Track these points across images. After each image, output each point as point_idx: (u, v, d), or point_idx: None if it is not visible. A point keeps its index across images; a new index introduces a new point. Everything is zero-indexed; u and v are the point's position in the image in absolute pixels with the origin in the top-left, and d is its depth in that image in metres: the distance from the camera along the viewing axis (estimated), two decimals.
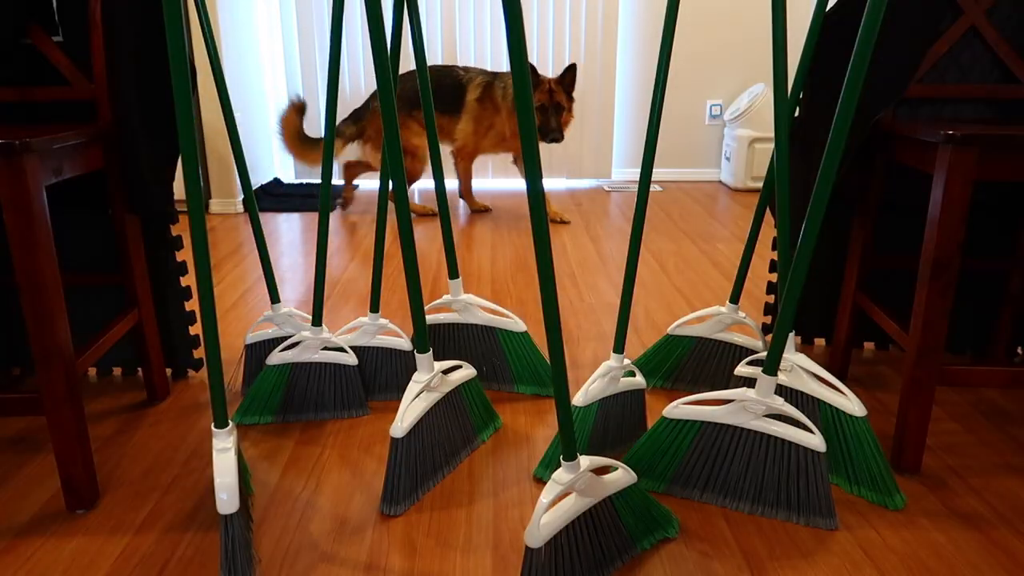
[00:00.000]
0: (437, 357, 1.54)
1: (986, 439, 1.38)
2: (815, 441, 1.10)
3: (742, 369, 1.32)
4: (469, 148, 3.13)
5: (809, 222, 1.01)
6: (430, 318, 1.53)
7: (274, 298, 1.50)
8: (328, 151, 1.39)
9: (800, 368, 1.25)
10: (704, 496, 1.18)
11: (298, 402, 1.45)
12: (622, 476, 1.03)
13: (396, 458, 1.15)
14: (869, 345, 1.77)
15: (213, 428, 1.03)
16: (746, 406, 1.12)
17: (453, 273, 1.50)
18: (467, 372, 1.33)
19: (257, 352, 1.53)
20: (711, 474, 1.17)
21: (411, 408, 1.18)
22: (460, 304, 1.51)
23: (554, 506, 0.95)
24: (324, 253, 1.42)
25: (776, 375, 1.10)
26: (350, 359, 1.44)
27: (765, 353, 1.30)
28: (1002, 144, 1.10)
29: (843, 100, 0.95)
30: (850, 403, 1.19)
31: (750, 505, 1.15)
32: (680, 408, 1.16)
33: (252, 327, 1.54)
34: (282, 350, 1.43)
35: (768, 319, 1.73)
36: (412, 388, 1.20)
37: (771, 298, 1.71)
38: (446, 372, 1.28)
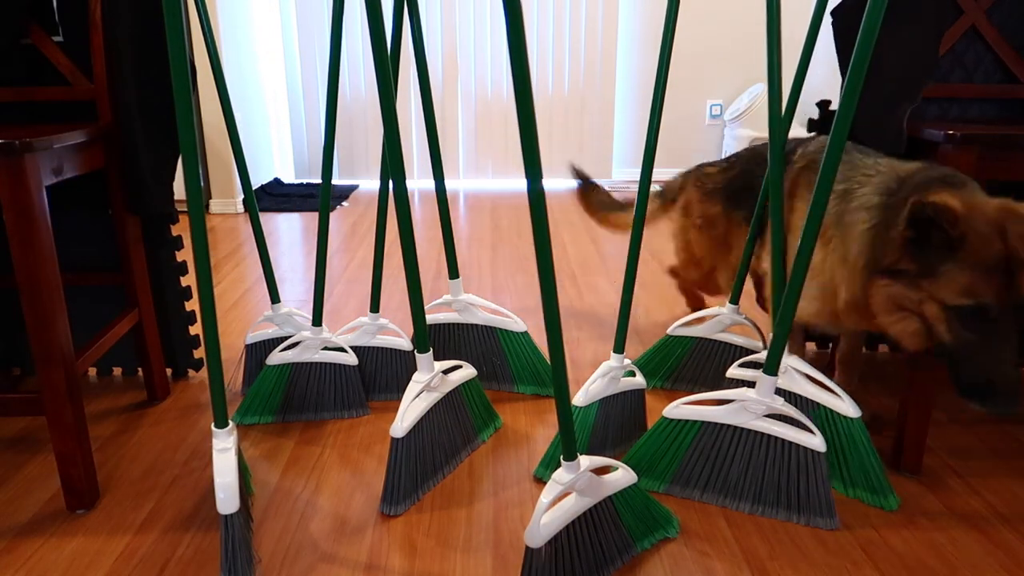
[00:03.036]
0: (437, 357, 1.53)
1: (986, 439, 1.38)
2: (815, 441, 1.10)
3: (735, 371, 1.32)
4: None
5: (809, 222, 1.01)
6: (430, 318, 1.53)
7: (274, 298, 1.50)
8: (328, 150, 1.38)
9: (794, 370, 1.25)
10: (704, 496, 1.18)
11: (298, 402, 1.45)
12: (622, 476, 1.02)
13: (396, 458, 1.15)
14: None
15: (213, 428, 1.03)
16: (746, 406, 1.12)
17: (453, 273, 1.50)
18: (467, 372, 1.32)
19: (257, 352, 1.53)
20: (711, 474, 1.17)
21: (411, 408, 1.18)
22: (460, 304, 1.51)
23: (554, 506, 0.95)
24: (324, 253, 1.42)
25: (776, 375, 1.10)
26: (350, 359, 1.44)
27: (759, 354, 1.30)
28: (1003, 143, 1.10)
29: (843, 100, 0.95)
30: (844, 404, 1.19)
31: (750, 505, 1.15)
32: (680, 408, 1.16)
33: (252, 327, 1.54)
34: (282, 350, 1.43)
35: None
36: (412, 388, 1.20)
37: None
38: (446, 372, 1.27)
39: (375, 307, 1.48)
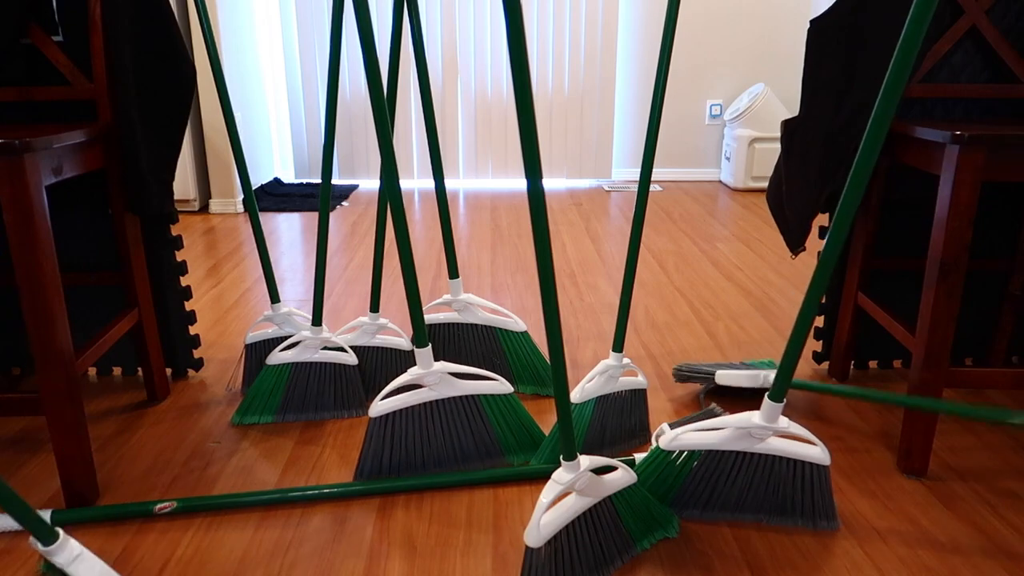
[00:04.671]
0: (437, 356, 1.54)
1: (988, 441, 1.38)
2: (818, 454, 1.09)
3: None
4: None
5: (828, 249, 0.98)
6: (430, 318, 1.53)
7: (274, 298, 1.50)
8: (328, 150, 1.38)
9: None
10: (704, 515, 1.15)
11: (298, 402, 1.45)
12: (622, 476, 1.02)
13: (369, 437, 1.20)
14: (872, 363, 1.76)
15: (40, 548, 0.89)
16: (752, 432, 1.08)
17: (453, 273, 1.50)
18: (498, 385, 1.27)
19: (257, 352, 1.53)
20: (711, 495, 1.14)
21: (396, 396, 1.20)
22: (460, 304, 1.51)
23: (554, 506, 0.95)
24: (324, 253, 1.42)
25: (782, 401, 1.06)
26: (350, 359, 1.44)
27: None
28: (1010, 144, 1.10)
29: (878, 107, 0.91)
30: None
31: (752, 516, 1.14)
32: (679, 439, 1.11)
33: (252, 327, 1.54)
34: (282, 350, 1.43)
35: (819, 345, 1.69)
36: (402, 377, 1.20)
37: (820, 320, 1.67)
38: (459, 375, 1.26)
39: (375, 307, 1.48)
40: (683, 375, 1.54)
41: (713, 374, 1.48)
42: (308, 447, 1.35)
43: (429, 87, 1.40)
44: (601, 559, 1.01)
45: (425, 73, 1.39)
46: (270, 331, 1.53)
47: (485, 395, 1.27)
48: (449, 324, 1.54)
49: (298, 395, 1.44)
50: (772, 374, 1.38)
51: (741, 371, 1.46)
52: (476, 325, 1.53)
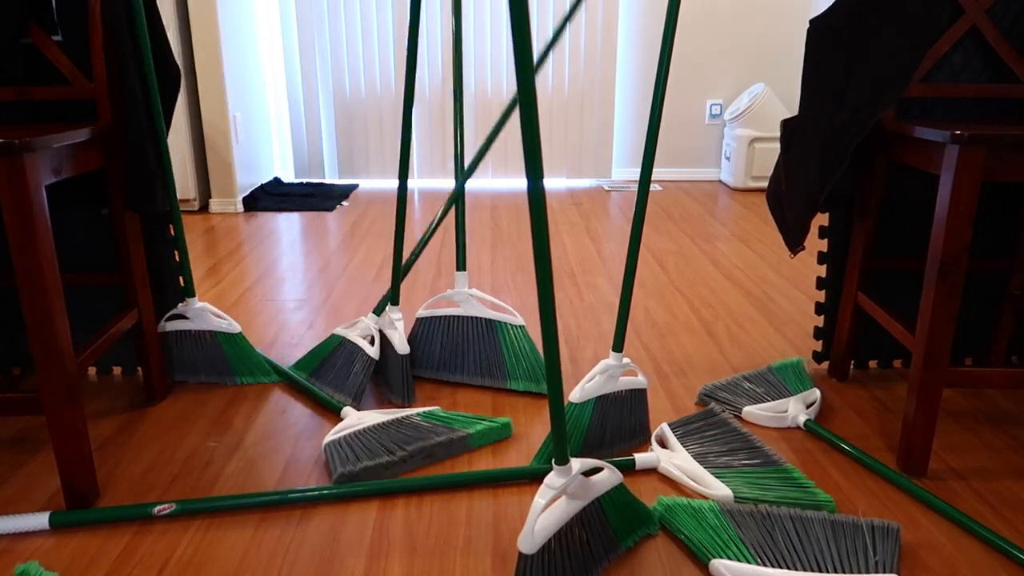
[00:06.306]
0: (435, 350, 1.57)
1: (988, 440, 1.38)
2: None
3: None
4: None
5: None
6: (431, 312, 1.55)
7: (189, 292, 1.55)
8: (406, 142, 1.41)
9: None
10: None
11: (326, 372, 1.55)
12: (609, 476, 1.02)
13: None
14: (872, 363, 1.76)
15: None
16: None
17: (461, 265, 1.51)
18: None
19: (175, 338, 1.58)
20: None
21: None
22: (462, 296, 1.53)
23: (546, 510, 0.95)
24: (402, 232, 1.50)
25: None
26: (373, 352, 1.48)
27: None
28: (1010, 144, 1.10)
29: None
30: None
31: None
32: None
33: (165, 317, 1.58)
34: (348, 327, 1.56)
35: (819, 344, 1.69)
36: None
37: (820, 320, 1.68)
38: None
39: (378, 309, 1.49)
40: (707, 401, 1.50)
41: (739, 408, 1.45)
42: (308, 447, 1.35)
43: (462, 88, 1.47)
44: (590, 560, 1.01)
45: (460, 75, 1.46)
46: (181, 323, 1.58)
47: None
48: (450, 317, 1.56)
49: (329, 366, 1.55)
50: (801, 416, 1.40)
51: (767, 411, 1.42)
52: (476, 318, 1.54)
